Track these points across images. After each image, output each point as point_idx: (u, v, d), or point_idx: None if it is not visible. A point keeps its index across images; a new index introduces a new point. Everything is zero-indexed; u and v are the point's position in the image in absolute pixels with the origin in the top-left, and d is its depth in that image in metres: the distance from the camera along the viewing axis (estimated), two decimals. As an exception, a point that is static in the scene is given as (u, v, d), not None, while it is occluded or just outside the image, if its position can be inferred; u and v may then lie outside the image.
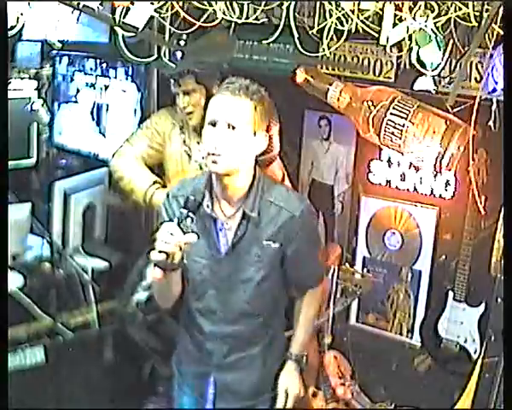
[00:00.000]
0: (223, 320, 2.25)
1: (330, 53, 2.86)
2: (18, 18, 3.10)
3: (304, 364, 2.40)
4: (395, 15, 2.43)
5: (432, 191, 3.27)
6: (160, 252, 1.89)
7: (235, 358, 2.29)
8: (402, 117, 2.78)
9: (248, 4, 2.80)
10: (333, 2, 2.60)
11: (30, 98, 3.74)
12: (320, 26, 2.73)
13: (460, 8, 2.36)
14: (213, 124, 2.06)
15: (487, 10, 2.28)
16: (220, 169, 2.06)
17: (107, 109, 4.01)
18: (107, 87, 3.98)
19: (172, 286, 2.15)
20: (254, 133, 2.10)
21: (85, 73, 4.07)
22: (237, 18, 2.81)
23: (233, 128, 2.05)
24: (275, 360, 2.39)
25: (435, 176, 3.21)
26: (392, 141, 2.84)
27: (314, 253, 2.34)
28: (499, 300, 2.41)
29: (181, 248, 1.91)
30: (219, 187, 2.14)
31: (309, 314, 2.42)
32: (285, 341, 2.44)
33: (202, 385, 2.34)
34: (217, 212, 2.17)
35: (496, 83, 2.54)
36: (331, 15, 2.63)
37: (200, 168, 3.23)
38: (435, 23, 2.39)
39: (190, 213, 1.94)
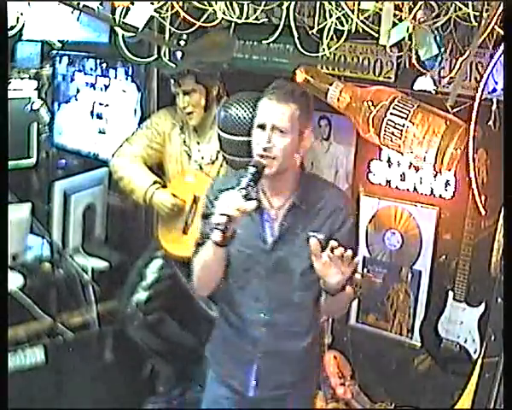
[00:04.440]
0: (266, 309, 2.29)
1: (330, 53, 2.87)
2: (18, 18, 3.11)
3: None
4: (395, 15, 2.43)
5: (432, 191, 3.26)
6: (222, 215, 1.99)
7: (278, 347, 2.33)
8: (402, 117, 2.77)
9: (248, 4, 2.80)
10: (333, 2, 2.60)
11: (30, 98, 3.75)
12: (320, 26, 2.73)
13: (460, 8, 2.37)
14: (262, 127, 2.17)
15: (487, 10, 2.28)
16: (271, 173, 2.16)
17: (107, 109, 4.01)
18: (107, 87, 3.98)
19: (219, 267, 2.21)
20: (300, 133, 2.19)
21: (85, 73, 4.07)
22: (237, 18, 2.81)
23: (280, 131, 2.14)
24: (317, 353, 2.46)
25: (435, 176, 3.21)
26: (392, 141, 2.84)
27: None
28: (499, 300, 2.41)
29: (241, 214, 2.02)
30: (268, 181, 2.22)
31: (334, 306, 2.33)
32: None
33: (244, 373, 2.36)
34: (264, 203, 2.25)
35: (496, 83, 2.55)
36: (331, 15, 2.64)
37: (200, 168, 3.23)
38: (435, 23, 2.40)
39: (251, 182, 2.07)
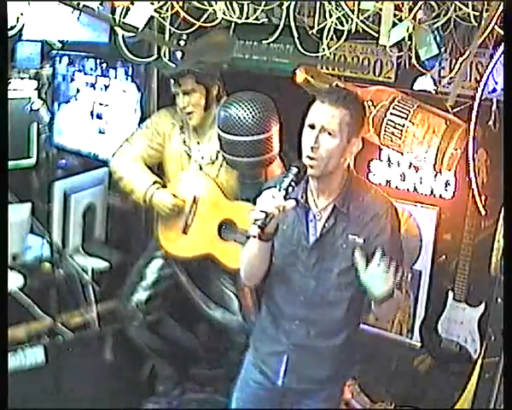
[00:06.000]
0: (303, 305, 2.36)
1: (330, 53, 2.87)
2: (18, 18, 3.11)
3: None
4: (395, 15, 2.43)
5: (432, 191, 3.26)
6: (261, 211, 2.08)
7: (311, 343, 2.39)
8: (402, 117, 2.78)
9: (248, 4, 2.80)
10: (333, 2, 2.60)
11: (30, 98, 3.75)
12: (320, 26, 2.73)
13: (460, 8, 2.37)
14: (312, 127, 2.21)
15: (487, 10, 2.28)
16: (316, 173, 2.22)
17: (107, 109, 4.01)
18: (107, 87, 3.98)
19: (263, 259, 2.31)
20: (349, 140, 2.22)
21: (85, 73, 4.07)
22: (237, 18, 2.82)
23: (329, 134, 2.19)
24: (349, 355, 2.49)
25: (435, 176, 3.21)
26: (392, 141, 2.84)
27: (395, 255, 2.29)
28: (499, 300, 2.41)
29: (279, 212, 2.09)
30: (314, 181, 2.28)
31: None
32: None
33: (277, 362, 2.44)
34: (310, 203, 2.31)
35: (496, 83, 2.55)
36: (331, 15, 2.64)
37: (200, 168, 3.23)
38: (435, 23, 2.40)
39: (292, 183, 2.14)
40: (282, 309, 2.41)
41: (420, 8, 2.37)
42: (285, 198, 2.11)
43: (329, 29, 2.70)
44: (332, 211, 2.29)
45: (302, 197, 2.29)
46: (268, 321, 2.47)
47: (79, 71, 4.10)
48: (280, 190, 2.12)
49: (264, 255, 2.30)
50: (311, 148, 2.18)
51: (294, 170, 2.18)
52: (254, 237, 2.13)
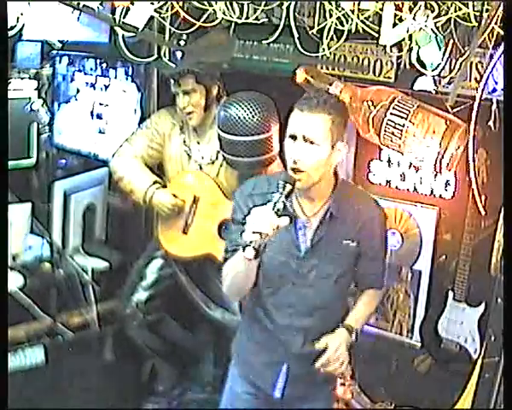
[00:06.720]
0: (298, 314, 2.31)
1: (330, 53, 2.87)
2: (18, 18, 3.11)
3: (353, 339, 2.38)
4: (395, 15, 2.43)
5: (432, 191, 3.27)
6: (254, 233, 1.98)
7: (307, 349, 2.34)
8: (402, 117, 2.77)
9: (248, 4, 2.80)
10: (333, 2, 2.60)
11: (30, 98, 3.75)
12: (320, 26, 2.73)
13: (460, 8, 2.37)
14: (293, 138, 2.14)
15: (487, 10, 2.28)
16: (303, 187, 2.15)
17: (107, 109, 4.01)
18: (107, 87, 3.98)
19: (250, 276, 2.21)
20: (333, 146, 2.15)
21: (85, 73, 4.07)
22: (237, 18, 2.82)
23: (311, 143, 2.11)
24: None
25: (435, 176, 3.21)
26: (392, 141, 2.84)
27: (382, 256, 2.42)
28: (499, 300, 2.40)
29: (274, 231, 2.00)
30: (300, 190, 2.21)
31: (365, 311, 2.47)
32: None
33: (272, 374, 2.39)
34: (297, 211, 2.24)
35: (496, 83, 2.55)
36: (331, 15, 2.64)
37: (200, 168, 3.23)
38: (435, 23, 2.40)
39: (284, 198, 2.05)
40: (277, 321, 2.33)
41: (420, 8, 2.37)
42: (277, 215, 2.02)
43: (329, 29, 2.70)
44: (324, 217, 2.23)
45: (290, 206, 2.20)
46: (261, 334, 2.40)
47: (79, 71, 4.10)
48: (273, 208, 2.02)
49: (251, 272, 2.19)
50: (294, 161, 2.10)
51: (282, 184, 2.09)
52: (250, 260, 2.02)
